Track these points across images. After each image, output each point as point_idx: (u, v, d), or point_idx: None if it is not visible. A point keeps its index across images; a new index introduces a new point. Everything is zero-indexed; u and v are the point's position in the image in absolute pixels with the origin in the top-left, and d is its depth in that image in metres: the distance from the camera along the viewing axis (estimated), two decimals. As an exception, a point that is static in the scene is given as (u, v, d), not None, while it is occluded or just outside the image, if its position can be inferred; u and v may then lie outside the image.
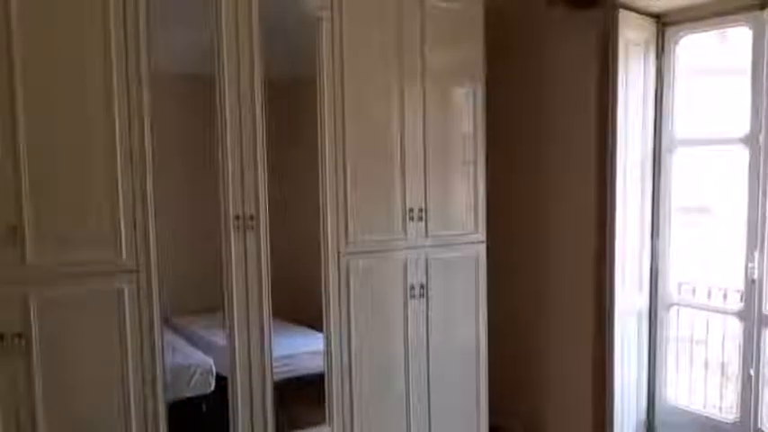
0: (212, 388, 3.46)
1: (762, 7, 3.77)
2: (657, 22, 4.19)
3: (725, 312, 4.16)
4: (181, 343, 3.60)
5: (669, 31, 4.20)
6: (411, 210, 3.80)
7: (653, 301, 4.34)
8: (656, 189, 4.30)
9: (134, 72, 3.01)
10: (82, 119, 2.91)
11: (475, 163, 4.07)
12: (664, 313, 4.33)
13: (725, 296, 4.16)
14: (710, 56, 4.33)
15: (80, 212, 2.92)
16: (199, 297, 3.67)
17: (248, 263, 3.30)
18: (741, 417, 3.96)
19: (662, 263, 4.31)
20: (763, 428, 3.88)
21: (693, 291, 4.28)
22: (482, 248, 4.10)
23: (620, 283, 4.12)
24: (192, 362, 3.46)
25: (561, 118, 4.38)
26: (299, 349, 3.71)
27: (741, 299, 3.96)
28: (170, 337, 3.41)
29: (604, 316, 4.16)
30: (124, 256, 3.00)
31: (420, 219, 3.83)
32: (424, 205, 3.85)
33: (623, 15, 4.01)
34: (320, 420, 3.63)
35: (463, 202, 4.05)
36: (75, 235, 2.90)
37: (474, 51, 4.02)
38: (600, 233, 4.18)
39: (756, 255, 3.83)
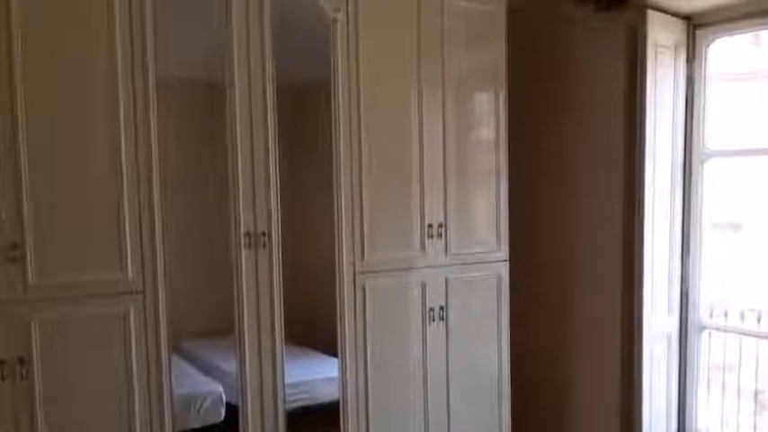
0: (222, 417, 3.60)
1: (801, 8, 3.94)
2: (688, 24, 4.36)
3: (758, 336, 4.32)
4: (189, 369, 3.73)
5: (700, 34, 4.37)
6: (430, 225, 3.95)
7: (683, 324, 4.50)
8: (686, 203, 4.46)
9: (140, 79, 3.14)
10: (85, 130, 3.04)
11: (497, 173, 4.23)
12: (694, 337, 4.49)
13: (758, 319, 4.31)
14: (744, 60, 4.50)
15: (84, 229, 3.04)
16: (207, 320, 3.82)
17: (260, 283, 3.43)
18: (777, 448, 4.12)
19: (692, 283, 4.48)
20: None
21: (725, 313, 4.44)
22: (504, 267, 4.26)
23: (648, 304, 4.27)
24: (200, 389, 3.60)
25: (586, 126, 4.55)
26: (313, 376, 3.87)
27: (776, 322, 4.13)
28: (177, 362, 3.54)
29: (632, 339, 4.32)
30: (130, 275, 3.13)
31: (439, 235, 3.99)
32: (443, 220, 4.00)
33: (652, 16, 4.17)
34: (335, 450, 3.78)
35: (485, 216, 4.20)
36: (79, 253, 3.03)
37: (496, 53, 4.19)
38: (627, 250, 4.34)
39: (794, 275, 4.00)
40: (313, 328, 4.01)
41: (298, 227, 3.73)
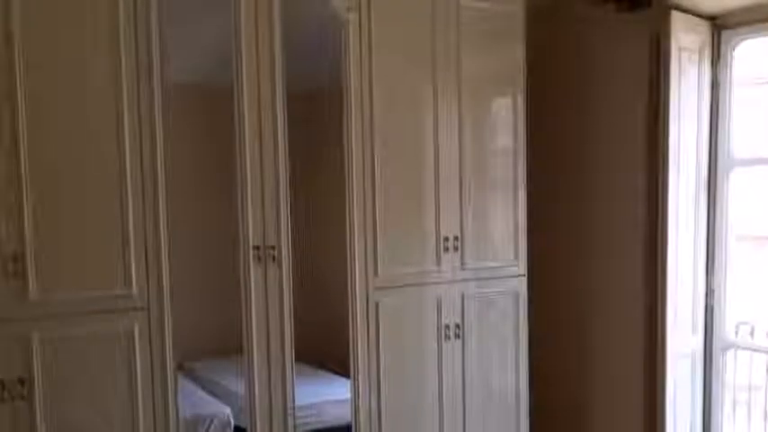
0: (229, 441, 3.69)
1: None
2: (713, 25, 4.46)
3: (786, 355, 4.43)
4: (195, 390, 3.83)
5: (726, 35, 4.47)
6: (446, 238, 4.06)
7: (707, 343, 4.60)
8: (711, 214, 4.55)
9: (146, 84, 3.23)
10: (88, 137, 3.14)
11: (515, 182, 4.34)
12: (719, 356, 4.60)
13: (787, 337, 4.42)
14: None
15: (87, 241, 3.13)
16: (215, 338, 3.91)
17: (269, 299, 3.53)
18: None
19: (717, 299, 4.57)
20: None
21: (752, 331, 4.54)
22: (522, 283, 4.38)
23: (672, 321, 4.36)
24: (207, 412, 3.68)
25: (607, 132, 4.65)
26: (324, 397, 3.95)
27: (805, 340, 4.23)
28: (183, 382, 3.64)
29: (655, 359, 4.40)
30: (135, 290, 3.22)
31: (455, 249, 4.10)
32: (459, 233, 4.11)
33: (676, 17, 4.26)
34: (347, 476, 3.87)
35: (502, 228, 4.31)
36: (82, 266, 3.12)
37: (514, 56, 4.31)
38: (650, 265, 4.44)
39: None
40: (323, 347, 4.11)
41: (308, 240, 3.81)
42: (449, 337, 4.08)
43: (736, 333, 4.59)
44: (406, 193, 3.95)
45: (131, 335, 3.22)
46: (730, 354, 4.61)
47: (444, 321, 4.07)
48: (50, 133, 3.04)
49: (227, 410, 3.70)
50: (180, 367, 3.47)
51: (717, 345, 4.59)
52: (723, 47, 4.48)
